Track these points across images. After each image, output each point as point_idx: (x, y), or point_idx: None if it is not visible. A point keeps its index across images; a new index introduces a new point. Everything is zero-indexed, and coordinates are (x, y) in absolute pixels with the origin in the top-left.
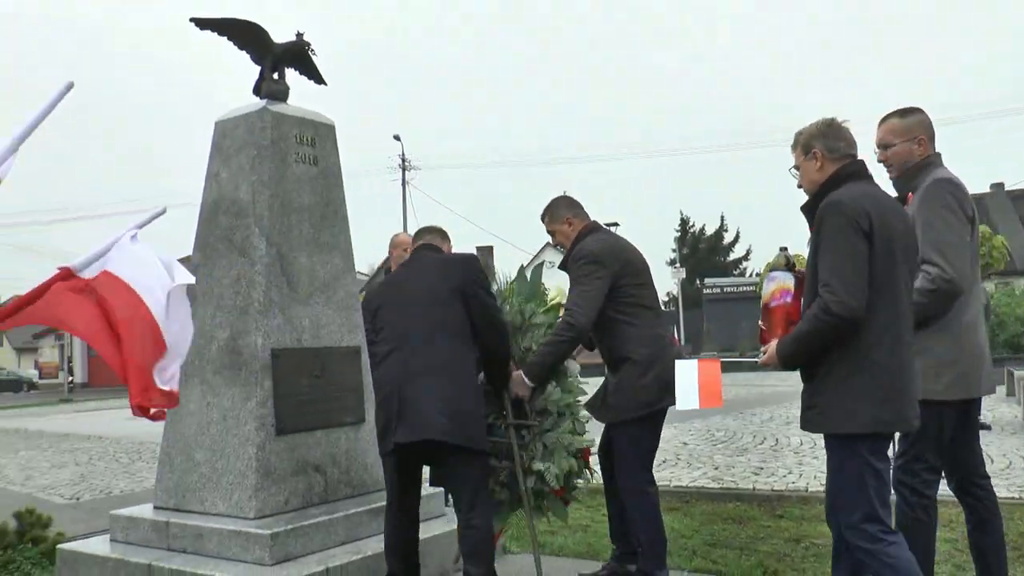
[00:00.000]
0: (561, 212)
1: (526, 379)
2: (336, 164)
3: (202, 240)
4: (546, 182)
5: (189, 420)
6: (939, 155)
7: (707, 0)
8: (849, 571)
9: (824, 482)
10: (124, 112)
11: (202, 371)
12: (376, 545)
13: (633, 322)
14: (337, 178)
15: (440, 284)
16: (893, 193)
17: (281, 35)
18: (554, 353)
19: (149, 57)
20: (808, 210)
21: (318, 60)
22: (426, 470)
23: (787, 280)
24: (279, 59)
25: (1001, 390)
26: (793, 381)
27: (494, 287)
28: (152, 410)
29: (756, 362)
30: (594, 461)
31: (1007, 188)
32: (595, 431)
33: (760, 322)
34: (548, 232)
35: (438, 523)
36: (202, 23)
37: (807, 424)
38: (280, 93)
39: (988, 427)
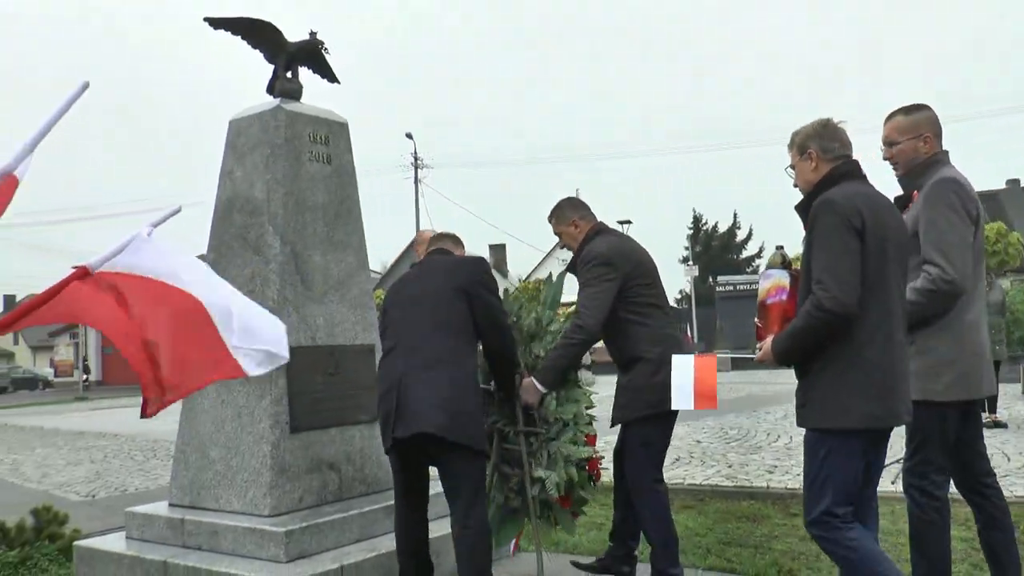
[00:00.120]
0: (567, 214)
1: (538, 384)
2: (350, 162)
3: (216, 238)
4: (559, 179)
5: (204, 418)
6: (946, 153)
7: None
8: None
9: None
10: (137, 111)
11: None
12: (390, 543)
13: (645, 322)
14: (351, 176)
15: (446, 284)
16: (898, 191)
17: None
18: (565, 356)
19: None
20: (802, 209)
21: (330, 58)
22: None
23: (783, 278)
24: (292, 58)
25: (1017, 388)
26: None
27: (503, 288)
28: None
29: (753, 358)
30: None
31: (1023, 184)
32: (610, 434)
33: (756, 319)
34: (555, 234)
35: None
36: (216, 22)
37: (801, 420)
38: (294, 92)
39: (1004, 425)
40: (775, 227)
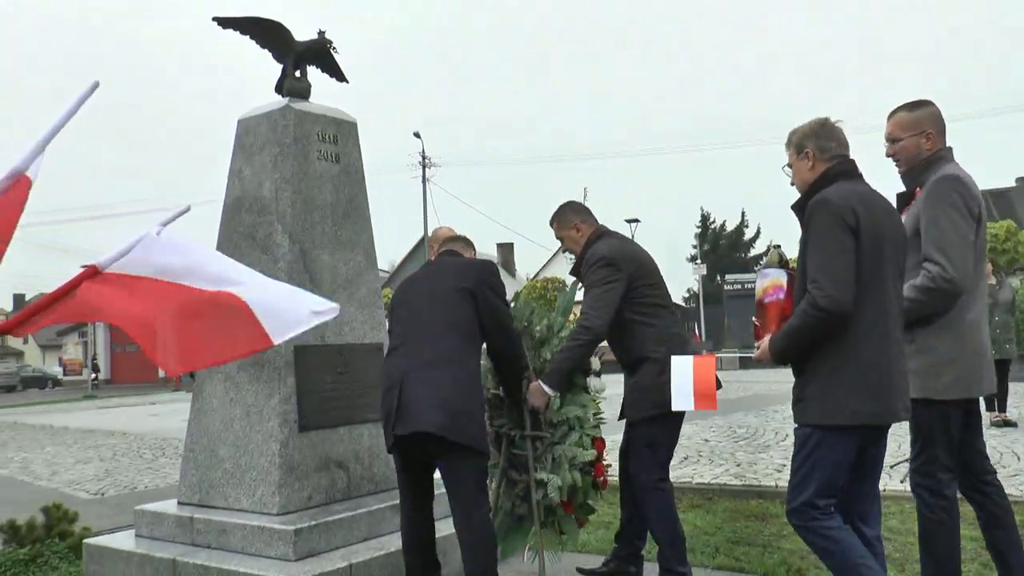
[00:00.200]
0: (569, 218)
1: (544, 387)
2: (358, 161)
3: (225, 237)
4: (566, 178)
5: (212, 416)
6: (950, 149)
7: None
8: None
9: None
10: (149, 110)
11: (226, 368)
12: (399, 541)
13: (651, 322)
14: (359, 175)
15: (452, 284)
16: (901, 188)
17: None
18: (571, 358)
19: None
20: (798, 208)
21: (339, 57)
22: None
23: (780, 277)
24: (301, 57)
25: None
26: None
27: (512, 289)
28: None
29: (751, 357)
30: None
31: None
32: (618, 434)
33: (754, 318)
34: (557, 238)
35: None
36: (224, 22)
37: (797, 416)
38: (302, 91)
39: (1014, 424)
40: (783, 225)
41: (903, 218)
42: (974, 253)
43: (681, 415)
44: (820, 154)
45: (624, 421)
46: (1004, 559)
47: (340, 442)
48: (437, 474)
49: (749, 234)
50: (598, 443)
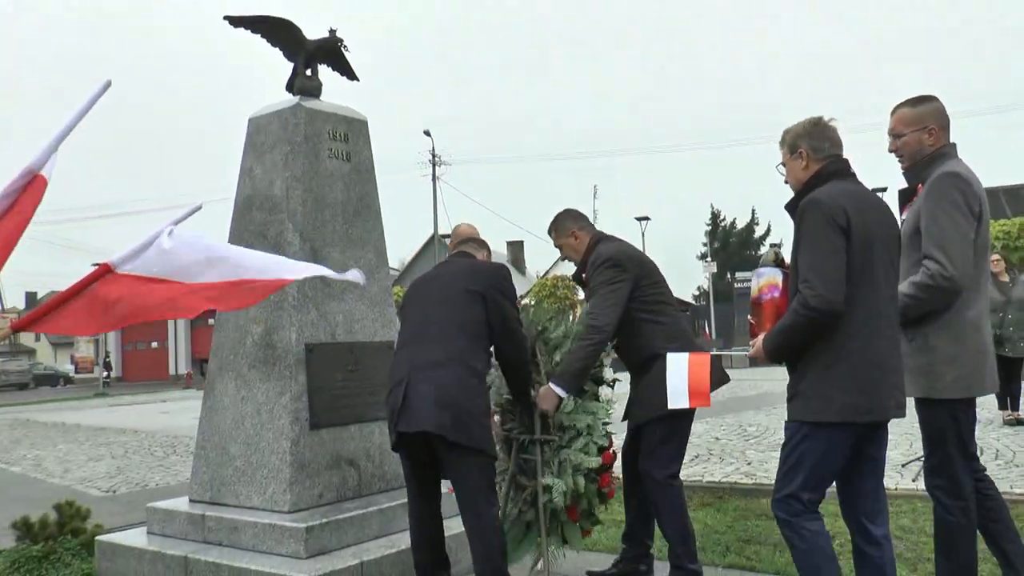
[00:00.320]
0: (567, 225)
1: (555, 388)
2: (369, 159)
3: (236, 235)
4: (577, 176)
5: (224, 414)
6: (953, 145)
7: None
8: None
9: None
10: (161, 108)
11: (237, 365)
12: (409, 539)
13: (660, 320)
14: (370, 173)
15: (463, 286)
16: (903, 184)
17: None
18: (582, 358)
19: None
20: (791, 208)
21: (350, 56)
22: None
23: (775, 276)
24: (312, 56)
25: None
26: None
27: (523, 289)
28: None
29: (747, 355)
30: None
31: None
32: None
33: (750, 317)
34: (556, 247)
35: None
36: (235, 21)
37: (789, 412)
38: (313, 89)
39: (1023, 422)
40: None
41: (905, 215)
42: (974, 251)
43: (692, 413)
44: (813, 154)
45: (626, 422)
46: (1002, 551)
47: (351, 440)
48: None
49: (759, 232)
50: (607, 455)
